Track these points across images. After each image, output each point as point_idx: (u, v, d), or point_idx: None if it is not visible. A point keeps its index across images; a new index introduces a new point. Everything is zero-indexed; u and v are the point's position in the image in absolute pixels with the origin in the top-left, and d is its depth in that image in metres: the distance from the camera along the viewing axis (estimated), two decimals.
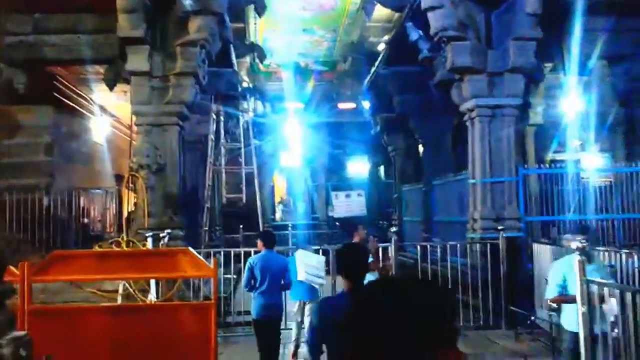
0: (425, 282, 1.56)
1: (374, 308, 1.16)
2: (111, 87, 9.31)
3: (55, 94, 11.73)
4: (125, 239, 7.30)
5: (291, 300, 6.94)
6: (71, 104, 12.52)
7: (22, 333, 3.46)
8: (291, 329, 7.67)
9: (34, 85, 9.69)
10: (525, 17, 8.21)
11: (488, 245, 7.91)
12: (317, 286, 6.71)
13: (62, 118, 12.11)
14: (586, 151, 12.51)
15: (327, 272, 7.36)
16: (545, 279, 7.22)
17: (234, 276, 9.91)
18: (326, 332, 2.86)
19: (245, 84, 14.78)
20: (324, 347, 3.03)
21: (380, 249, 7.41)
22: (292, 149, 19.95)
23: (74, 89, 12.52)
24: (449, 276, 7.93)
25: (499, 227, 7.98)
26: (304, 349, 6.32)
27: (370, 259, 6.17)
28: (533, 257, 7.70)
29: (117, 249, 6.79)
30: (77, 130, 13.02)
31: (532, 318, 7.22)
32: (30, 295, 5.38)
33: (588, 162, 12.00)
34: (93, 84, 12.09)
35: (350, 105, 18.66)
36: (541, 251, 7.54)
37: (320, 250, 7.59)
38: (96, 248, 6.85)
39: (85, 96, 13.16)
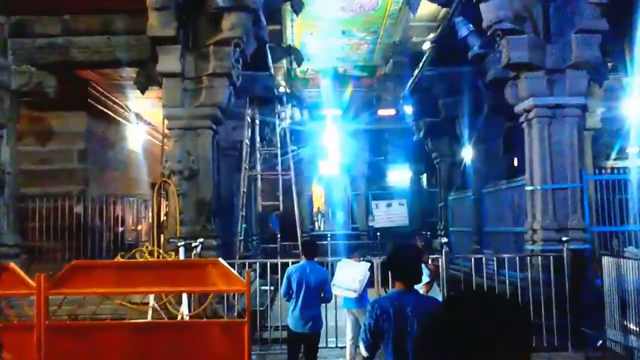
0: (513, 298, 1.72)
1: (469, 318, 1.17)
2: (143, 90, 8.94)
3: (89, 101, 11.55)
4: (149, 248, 6.82)
5: (343, 308, 6.69)
6: (105, 110, 12.33)
7: None
8: (332, 346, 7.23)
9: (66, 91, 9.43)
10: (589, 7, 7.44)
11: (551, 258, 7.14)
12: (354, 297, 6.36)
13: (96, 125, 11.93)
14: None
15: (372, 283, 6.91)
16: (619, 296, 6.49)
17: (271, 288, 9.39)
18: (381, 328, 2.86)
19: (282, 90, 14.35)
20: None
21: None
22: (330, 157, 19.46)
23: (108, 95, 12.33)
24: (507, 292, 7.24)
25: (563, 238, 7.19)
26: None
27: (427, 278, 5.58)
28: (602, 272, 6.92)
29: (141, 259, 6.34)
30: (111, 137, 12.82)
31: (604, 339, 6.51)
32: (47, 309, 4.92)
33: None
34: (128, 91, 11.86)
35: (391, 111, 18.01)
36: (611, 265, 6.77)
37: (363, 261, 7.18)
38: (118, 258, 6.42)
39: (120, 103, 12.97)
